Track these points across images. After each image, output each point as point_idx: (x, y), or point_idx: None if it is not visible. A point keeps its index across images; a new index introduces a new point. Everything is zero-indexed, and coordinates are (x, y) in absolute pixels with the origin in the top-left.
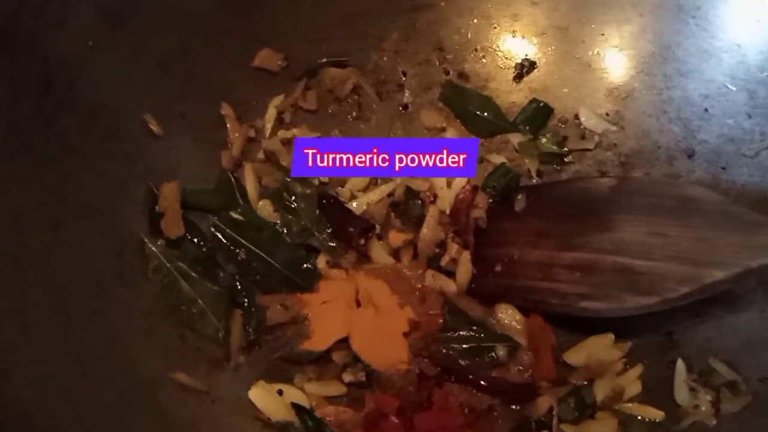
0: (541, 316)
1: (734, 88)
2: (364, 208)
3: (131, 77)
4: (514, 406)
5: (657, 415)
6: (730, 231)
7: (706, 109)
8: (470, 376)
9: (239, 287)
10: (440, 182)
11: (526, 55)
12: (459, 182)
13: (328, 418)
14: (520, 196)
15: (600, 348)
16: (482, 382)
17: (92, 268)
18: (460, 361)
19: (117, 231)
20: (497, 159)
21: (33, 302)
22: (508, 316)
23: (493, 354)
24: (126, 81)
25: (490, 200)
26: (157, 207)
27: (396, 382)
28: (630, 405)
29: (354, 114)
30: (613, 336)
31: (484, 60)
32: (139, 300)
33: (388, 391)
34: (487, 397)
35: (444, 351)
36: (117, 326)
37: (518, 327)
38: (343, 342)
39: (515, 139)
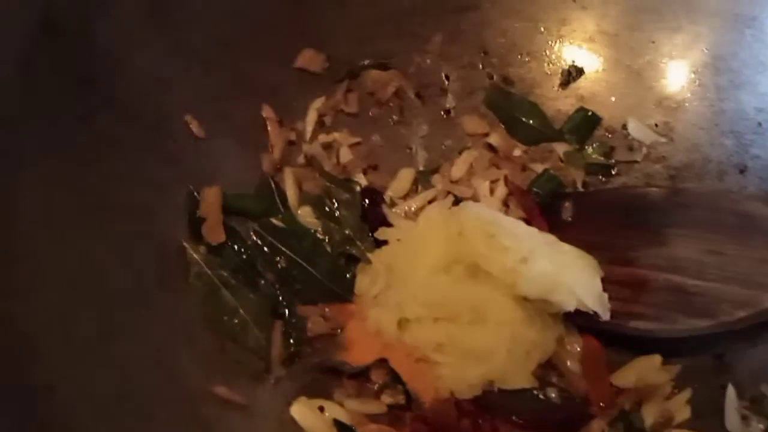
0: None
1: None
2: (403, 216)
3: (172, 73)
4: None
5: None
6: None
7: (759, 123)
8: (512, 417)
9: (280, 297)
10: (483, 190)
11: (574, 62)
12: (502, 190)
13: None
14: (567, 204)
15: (648, 370)
16: (524, 422)
17: (133, 273)
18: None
19: (157, 235)
20: (541, 168)
21: (74, 308)
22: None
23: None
24: (167, 76)
25: None
26: (198, 212)
27: (435, 408)
28: (679, 431)
29: (395, 118)
30: (660, 357)
31: (529, 65)
32: (180, 308)
33: (427, 415)
34: None
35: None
36: (159, 336)
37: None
38: (383, 361)
39: (561, 148)
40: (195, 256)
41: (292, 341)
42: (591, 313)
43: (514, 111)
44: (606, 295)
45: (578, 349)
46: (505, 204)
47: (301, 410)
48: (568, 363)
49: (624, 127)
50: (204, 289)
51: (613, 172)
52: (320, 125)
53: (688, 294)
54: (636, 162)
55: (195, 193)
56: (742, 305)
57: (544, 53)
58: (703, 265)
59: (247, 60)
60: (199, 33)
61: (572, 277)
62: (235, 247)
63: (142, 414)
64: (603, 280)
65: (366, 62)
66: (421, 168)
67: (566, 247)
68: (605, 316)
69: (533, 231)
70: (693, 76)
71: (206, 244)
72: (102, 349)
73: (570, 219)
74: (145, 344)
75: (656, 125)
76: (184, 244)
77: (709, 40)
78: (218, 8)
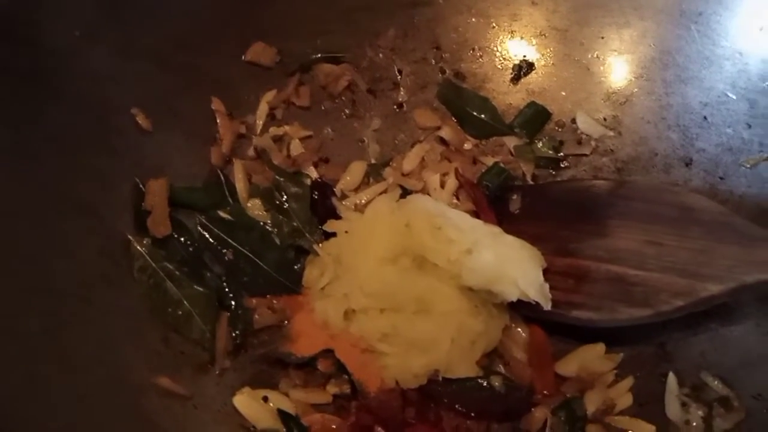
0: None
1: (734, 97)
2: (353, 209)
3: (122, 69)
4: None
5: (648, 429)
6: (728, 243)
7: (705, 117)
8: (456, 406)
9: (226, 289)
10: (434, 183)
11: (525, 57)
12: (452, 183)
13: (314, 427)
14: (515, 197)
15: (591, 358)
16: (468, 411)
17: (77, 267)
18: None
19: (102, 228)
20: (491, 161)
21: (16, 303)
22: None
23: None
24: (117, 72)
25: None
26: (143, 204)
27: (380, 398)
28: (621, 418)
29: (347, 112)
30: (604, 346)
31: (481, 60)
32: (123, 301)
33: (372, 405)
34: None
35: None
36: (102, 328)
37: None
38: (329, 351)
39: (511, 142)
40: (139, 249)
41: (237, 333)
42: (533, 303)
43: (466, 105)
44: (547, 286)
45: (524, 338)
46: (456, 197)
47: (243, 400)
48: (514, 352)
49: (573, 121)
50: (148, 282)
51: (562, 166)
52: (271, 118)
53: (628, 284)
54: (585, 155)
55: (141, 186)
56: (679, 294)
57: (495, 48)
58: (643, 255)
59: (196, 53)
60: (148, 25)
61: (514, 268)
62: (182, 239)
63: (84, 406)
64: (545, 270)
65: (318, 56)
66: (373, 161)
67: (509, 239)
68: (546, 306)
69: (478, 223)
70: (641, 70)
71: (152, 237)
72: (44, 343)
73: (518, 211)
74: (88, 338)
75: (605, 119)
76: (129, 237)
77: (656, 35)
78: (171, 2)
